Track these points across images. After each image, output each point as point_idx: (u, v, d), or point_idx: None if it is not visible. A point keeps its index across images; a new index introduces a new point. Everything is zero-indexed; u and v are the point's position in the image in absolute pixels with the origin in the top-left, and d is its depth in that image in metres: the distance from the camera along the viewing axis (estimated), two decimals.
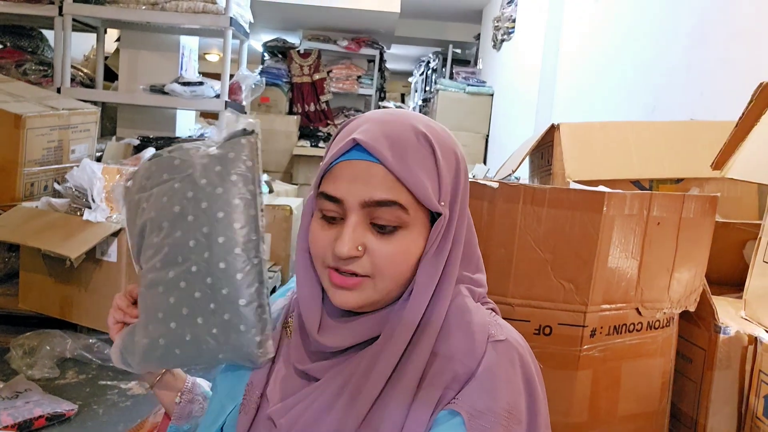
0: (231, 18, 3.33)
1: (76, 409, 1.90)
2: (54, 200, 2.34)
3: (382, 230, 0.67)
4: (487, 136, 5.87)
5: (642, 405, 1.20)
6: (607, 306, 1.10)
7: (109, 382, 2.12)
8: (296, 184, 5.93)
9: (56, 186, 2.34)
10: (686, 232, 1.12)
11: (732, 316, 1.27)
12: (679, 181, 1.98)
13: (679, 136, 1.97)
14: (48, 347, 2.18)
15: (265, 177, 4.05)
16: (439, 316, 0.69)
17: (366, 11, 5.91)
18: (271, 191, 3.96)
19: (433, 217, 0.70)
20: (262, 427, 0.72)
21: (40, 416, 1.78)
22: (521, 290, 1.09)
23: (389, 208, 0.66)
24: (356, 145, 0.68)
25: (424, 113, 7.05)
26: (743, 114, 1.31)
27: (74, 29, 3.42)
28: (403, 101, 10.60)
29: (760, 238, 1.27)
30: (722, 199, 1.21)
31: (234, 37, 3.53)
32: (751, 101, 1.30)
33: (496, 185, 1.06)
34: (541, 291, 1.09)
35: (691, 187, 1.96)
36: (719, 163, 1.31)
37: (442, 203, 0.68)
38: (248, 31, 3.84)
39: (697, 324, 1.27)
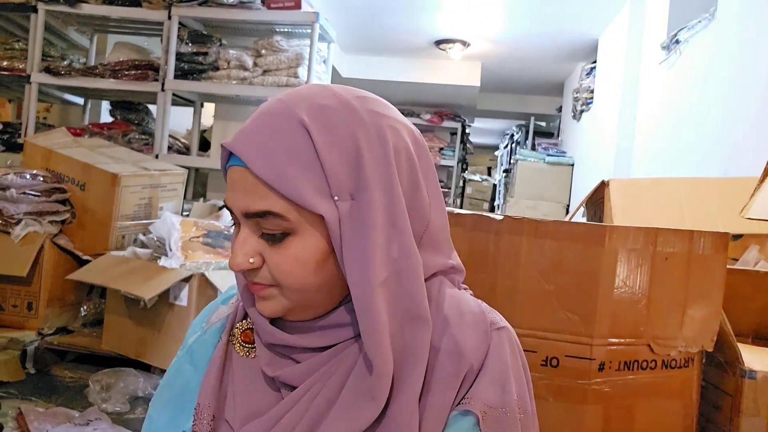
0: None
1: None
2: (139, 250, 2.57)
3: (272, 239, 0.62)
4: (568, 206, 5.83)
5: None
6: (616, 340, 1.11)
7: None
8: None
9: (141, 237, 2.59)
10: (697, 269, 1.12)
11: (762, 362, 1.22)
12: (737, 237, 1.93)
13: (733, 192, 1.93)
14: (122, 384, 2.35)
15: None
16: (418, 308, 0.62)
17: (447, 85, 6.16)
18: None
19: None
20: None
21: None
22: (527, 321, 1.12)
23: (266, 218, 0.61)
24: None
25: (505, 184, 7.11)
26: None
27: (175, 103, 3.80)
28: (489, 174, 10.68)
29: None
30: None
31: None
32: None
33: (500, 218, 1.12)
34: (547, 322, 1.11)
35: (751, 244, 1.90)
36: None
37: (336, 197, 0.60)
38: None
39: (725, 369, 1.23)
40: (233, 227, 0.67)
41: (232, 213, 0.64)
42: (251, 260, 0.62)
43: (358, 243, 0.60)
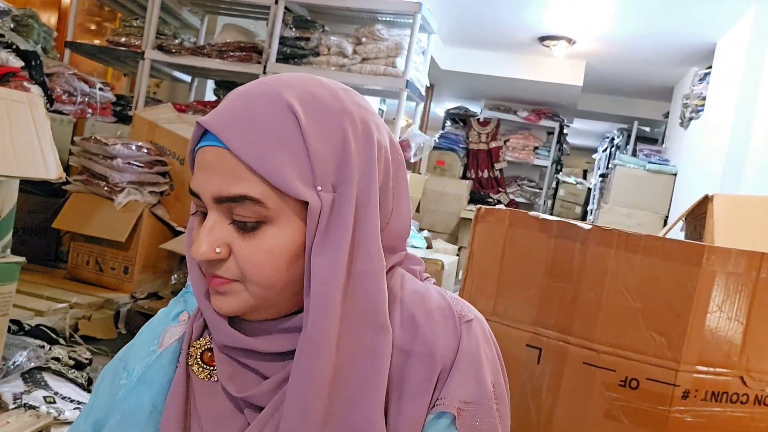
0: (407, 81, 3.59)
1: None
2: None
3: (244, 228, 0.57)
4: (666, 217, 5.53)
5: None
6: (704, 368, 1.03)
7: None
8: (458, 246, 6.03)
9: None
10: None
11: None
12: None
13: None
14: None
15: (425, 233, 4.20)
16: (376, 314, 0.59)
17: (548, 83, 5.99)
18: (429, 247, 4.10)
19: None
20: None
21: None
22: (609, 337, 1.06)
23: (241, 204, 0.56)
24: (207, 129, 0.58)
25: (601, 189, 6.84)
26: None
27: None
28: (585, 177, 10.32)
29: None
30: None
31: (409, 99, 3.78)
32: None
33: (588, 227, 1.07)
34: (629, 341, 1.05)
35: None
36: None
37: (319, 187, 0.56)
38: (423, 94, 4.09)
39: None
40: (193, 216, 0.63)
41: (198, 198, 0.59)
42: (218, 250, 0.57)
43: (332, 238, 0.57)
